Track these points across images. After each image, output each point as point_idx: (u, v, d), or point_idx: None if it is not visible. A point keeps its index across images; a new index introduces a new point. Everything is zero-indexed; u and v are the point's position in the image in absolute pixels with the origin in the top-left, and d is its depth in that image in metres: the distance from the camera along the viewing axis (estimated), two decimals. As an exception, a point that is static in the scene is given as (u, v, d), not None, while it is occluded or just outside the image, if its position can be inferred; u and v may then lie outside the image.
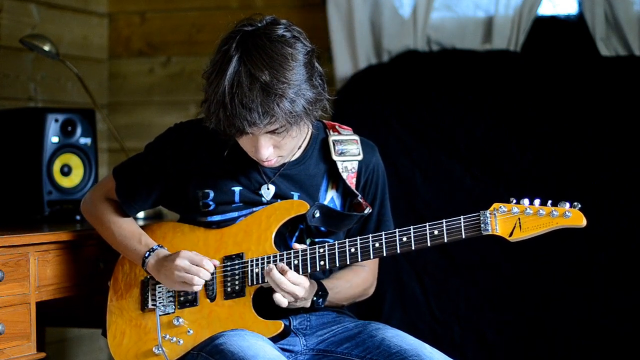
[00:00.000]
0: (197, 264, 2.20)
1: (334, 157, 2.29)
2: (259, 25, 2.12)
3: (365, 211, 2.28)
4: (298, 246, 2.21)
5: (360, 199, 2.29)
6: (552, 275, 3.16)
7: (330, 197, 2.31)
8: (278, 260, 2.20)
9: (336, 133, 2.31)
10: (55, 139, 2.94)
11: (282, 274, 2.15)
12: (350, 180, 2.29)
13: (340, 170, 2.29)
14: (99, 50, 3.80)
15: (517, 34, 3.24)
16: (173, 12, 3.76)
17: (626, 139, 3.12)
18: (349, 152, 2.30)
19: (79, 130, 3.00)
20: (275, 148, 2.15)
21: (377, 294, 3.22)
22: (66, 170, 2.99)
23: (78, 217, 2.92)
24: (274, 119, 2.06)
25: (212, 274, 2.25)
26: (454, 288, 3.24)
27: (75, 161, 3.01)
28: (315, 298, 2.24)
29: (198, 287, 2.21)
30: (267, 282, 2.18)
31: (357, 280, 2.36)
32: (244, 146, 2.18)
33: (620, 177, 3.11)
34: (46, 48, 3.07)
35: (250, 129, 2.07)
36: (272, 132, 2.10)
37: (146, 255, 2.28)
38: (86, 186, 3.00)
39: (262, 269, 2.20)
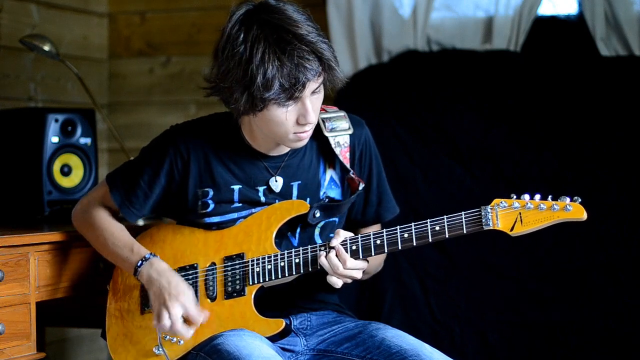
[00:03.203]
0: (193, 320, 2.19)
1: (325, 134, 2.30)
2: (254, 3, 2.15)
3: (360, 187, 2.29)
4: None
5: (352, 174, 2.30)
6: (552, 276, 3.15)
7: (330, 177, 2.32)
8: (279, 259, 2.20)
9: (323, 111, 2.33)
10: (55, 139, 2.94)
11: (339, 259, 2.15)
12: (344, 154, 2.30)
13: (333, 146, 2.30)
14: (99, 50, 3.80)
15: (517, 34, 3.24)
16: (173, 12, 3.76)
17: (626, 139, 3.12)
18: (339, 128, 2.32)
19: (79, 130, 3.00)
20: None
21: (377, 294, 3.24)
22: (66, 170, 2.99)
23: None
24: (326, 66, 2.12)
25: (213, 274, 2.25)
26: (454, 288, 3.24)
27: (75, 161, 3.01)
28: None
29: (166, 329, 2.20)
30: (322, 266, 2.16)
31: None
32: (287, 123, 2.14)
33: (620, 177, 3.11)
34: (46, 48, 3.06)
35: (313, 78, 2.10)
36: (314, 92, 2.13)
37: (138, 264, 2.26)
38: (86, 186, 3.00)
39: (263, 268, 2.21)
